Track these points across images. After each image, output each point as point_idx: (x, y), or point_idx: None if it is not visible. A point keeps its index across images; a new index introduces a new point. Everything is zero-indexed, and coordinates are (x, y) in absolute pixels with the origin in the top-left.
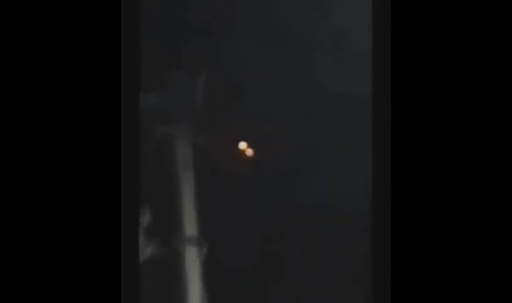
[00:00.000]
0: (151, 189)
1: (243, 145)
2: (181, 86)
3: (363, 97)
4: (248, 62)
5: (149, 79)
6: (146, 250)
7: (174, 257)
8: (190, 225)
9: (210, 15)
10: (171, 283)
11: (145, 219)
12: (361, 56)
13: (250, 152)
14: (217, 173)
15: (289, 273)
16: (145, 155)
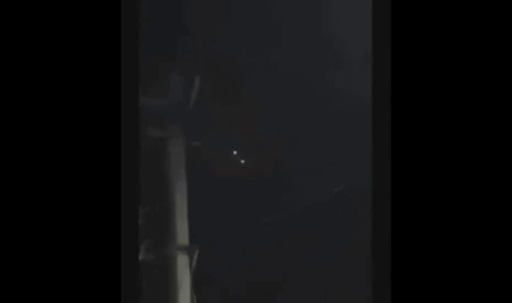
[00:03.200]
0: (142, 192)
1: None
2: (177, 87)
3: (363, 98)
4: (247, 62)
5: (146, 80)
6: None
7: (164, 263)
8: (181, 230)
9: (209, 15)
10: (160, 289)
11: None
12: (361, 57)
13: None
14: (215, 174)
15: (289, 273)
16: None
